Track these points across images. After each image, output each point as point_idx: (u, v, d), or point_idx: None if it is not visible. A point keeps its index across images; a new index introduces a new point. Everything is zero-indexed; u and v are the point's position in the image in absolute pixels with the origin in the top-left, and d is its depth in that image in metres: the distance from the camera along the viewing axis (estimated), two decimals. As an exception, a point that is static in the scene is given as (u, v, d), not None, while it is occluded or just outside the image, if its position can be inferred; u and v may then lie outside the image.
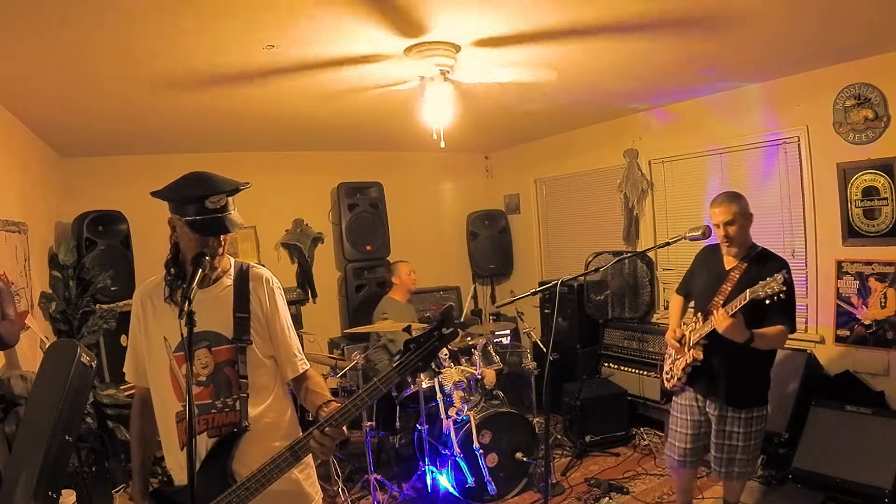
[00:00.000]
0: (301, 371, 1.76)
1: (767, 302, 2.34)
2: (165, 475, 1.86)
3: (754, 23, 2.68)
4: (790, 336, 2.59)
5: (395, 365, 1.50)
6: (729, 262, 2.70)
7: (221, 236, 1.62)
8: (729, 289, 2.58)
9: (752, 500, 3.19)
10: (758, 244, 2.70)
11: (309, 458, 1.68)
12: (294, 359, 1.75)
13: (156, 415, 1.70)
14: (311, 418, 3.66)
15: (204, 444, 1.60)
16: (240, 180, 1.65)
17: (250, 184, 1.66)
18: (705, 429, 2.75)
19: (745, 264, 2.62)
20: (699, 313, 2.69)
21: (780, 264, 2.54)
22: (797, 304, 2.65)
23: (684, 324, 2.86)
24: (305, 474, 1.74)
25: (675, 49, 3.00)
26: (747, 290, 2.40)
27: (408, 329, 3.67)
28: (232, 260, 1.77)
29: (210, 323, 1.62)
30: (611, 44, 2.79)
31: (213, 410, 1.62)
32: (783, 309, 2.49)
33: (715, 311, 2.50)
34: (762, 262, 2.56)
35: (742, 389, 2.61)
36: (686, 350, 2.67)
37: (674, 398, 2.89)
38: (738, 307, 2.42)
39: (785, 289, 2.31)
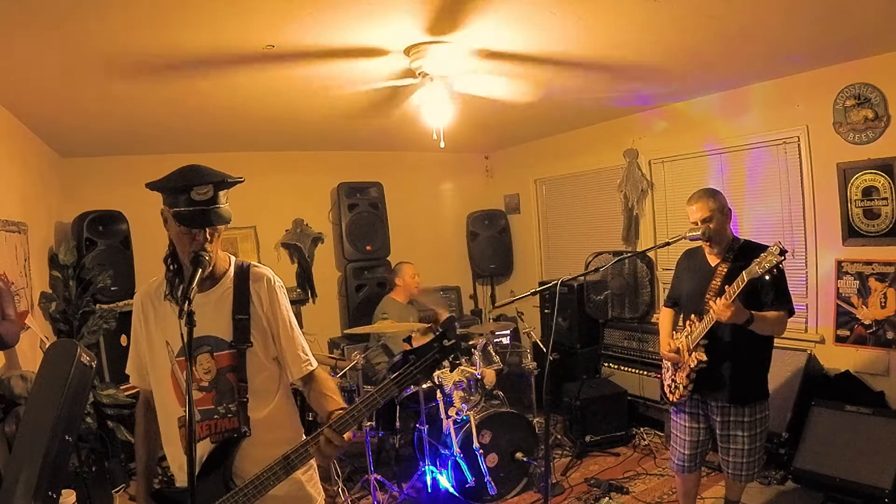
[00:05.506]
0: (307, 371, 1.71)
1: (767, 277, 2.31)
2: (166, 475, 1.85)
3: (752, 37, 2.65)
4: (791, 336, 2.58)
5: (394, 377, 1.48)
6: (713, 259, 2.69)
7: (209, 231, 1.56)
8: (718, 285, 2.57)
9: (752, 500, 3.18)
10: (740, 237, 2.69)
11: (311, 460, 1.67)
12: (300, 360, 1.71)
13: (158, 418, 1.68)
14: (311, 418, 3.66)
15: (206, 449, 1.58)
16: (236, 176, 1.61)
17: (243, 179, 1.62)
18: (705, 435, 2.75)
19: (731, 258, 2.61)
20: (693, 315, 2.66)
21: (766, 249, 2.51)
22: (798, 304, 2.64)
23: (675, 333, 2.82)
24: (308, 476, 1.73)
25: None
26: (744, 273, 2.37)
27: (408, 339, 3.66)
28: (232, 259, 1.72)
29: (211, 328, 1.59)
30: (607, 76, 2.72)
31: (215, 416, 1.60)
32: (778, 295, 2.50)
33: (712, 303, 2.48)
34: (748, 252, 2.52)
35: (746, 384, 2.60)
36: (687, 356, 2.64)
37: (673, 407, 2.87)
38: (736, 293, 2.39)
39: (783, 258, 2.27)
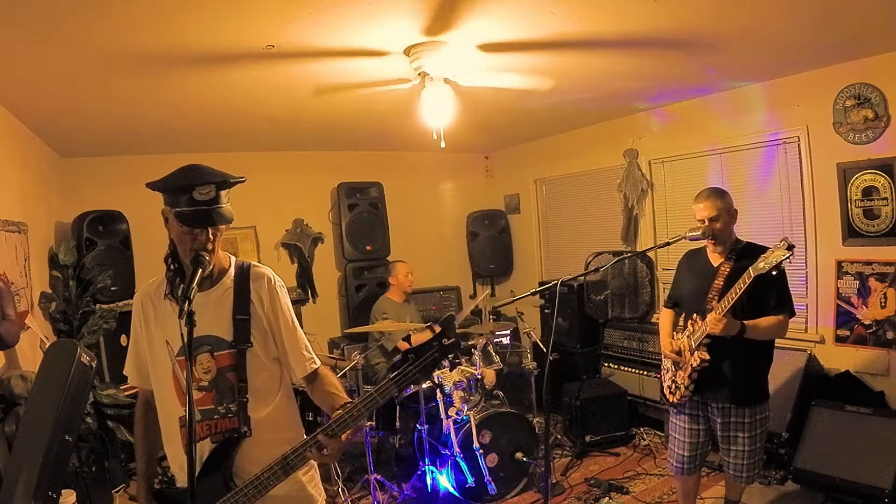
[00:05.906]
0: (311, 370, 1.71)
1: (774, 273, 2.29)
2: (166, 475, 1.85)
3: (752, 37, 2.66)
4: (791, 336, 2.57)
5: (392, 376, 1.48)
6: (715, 258, 2.69)
7: (211, 230, 1.56)
8: (721, 284, 2.57)
9: (752, 500, 3.18)
10: (742, 239, 2.69)
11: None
12: (302, 358, 1.70)
13: (159, 418, 1.69)
14: (311, 418, 3.65)
15: (207, 449, 1.58)
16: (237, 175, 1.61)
17: (245, 179, 1.62)
18: (705, 437, 2.75)
19: (733, 258, 2.61)
20: (695, 315, 2.66)
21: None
22: (798, 303, 2.63)
23: (676, 333, 2.82)
24: (309, 476, 1.73)
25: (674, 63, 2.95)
26: (749, 269, 2.36)
27: (407, 339, 3.66)
28: (232, 259, 1.72)
29: (211, 327, 1.59)
30: (615, 58, 2.75)
31: (215, 416, 1.60)
32: (781, 298, 2.51)
33: (715, 303, 2.48)
34: (750, 254, 2.52)
35: (746, 385, 2.60)
36: (689, 355, 2.64)
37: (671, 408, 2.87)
38: (730, 304, 2.41)
39: (790, 253, 2.25)
